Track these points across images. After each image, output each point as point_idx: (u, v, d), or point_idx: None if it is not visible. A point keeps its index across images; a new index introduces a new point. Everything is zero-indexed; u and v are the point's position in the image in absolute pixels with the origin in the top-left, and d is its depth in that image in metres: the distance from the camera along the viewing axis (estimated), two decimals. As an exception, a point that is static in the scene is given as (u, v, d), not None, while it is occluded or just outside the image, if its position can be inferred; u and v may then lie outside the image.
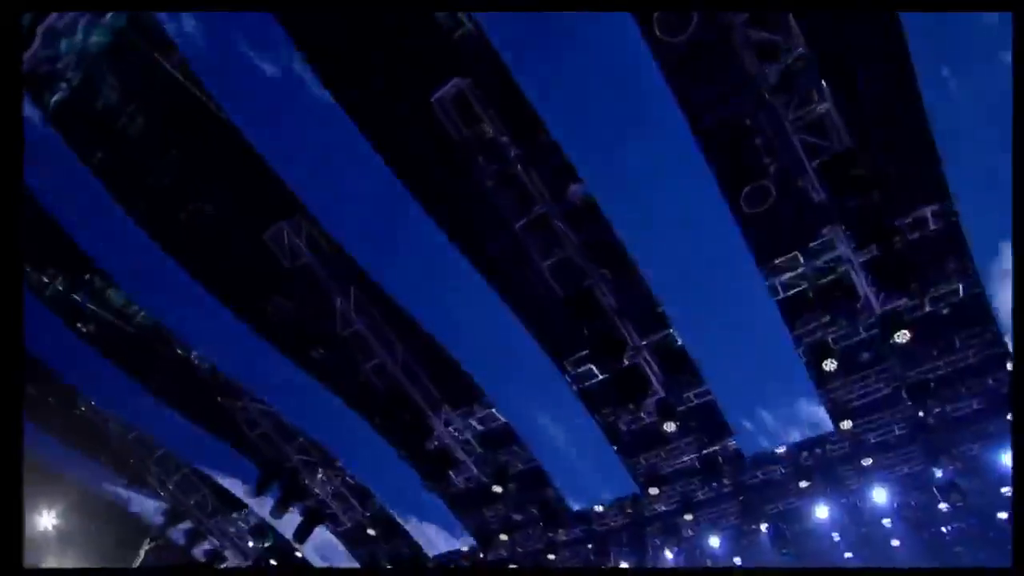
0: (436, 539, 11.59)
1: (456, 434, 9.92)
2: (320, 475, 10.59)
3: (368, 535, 12.07)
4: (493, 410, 9.78)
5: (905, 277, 6.22)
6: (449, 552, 12.15)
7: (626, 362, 7.91)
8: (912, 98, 6.08)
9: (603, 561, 13.60)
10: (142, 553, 12.17)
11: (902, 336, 8.65)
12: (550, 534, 12.06)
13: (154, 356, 9.31)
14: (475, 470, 10.53)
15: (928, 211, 7.12)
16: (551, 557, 14.37)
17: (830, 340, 9.33)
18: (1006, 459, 12.49)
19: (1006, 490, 13.66)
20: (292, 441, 10.07)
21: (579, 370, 9.11)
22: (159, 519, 11.97)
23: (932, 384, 9.63)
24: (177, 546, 12.56)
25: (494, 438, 10.51)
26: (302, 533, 10.96)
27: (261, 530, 12.72)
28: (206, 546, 12.65)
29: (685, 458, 11.33)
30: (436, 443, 9.15)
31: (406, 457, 8.97)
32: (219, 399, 9.36)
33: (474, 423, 10.16)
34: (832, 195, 6.49)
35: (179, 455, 10.82)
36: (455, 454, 9.66)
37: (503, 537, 13.09)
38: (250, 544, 12.65)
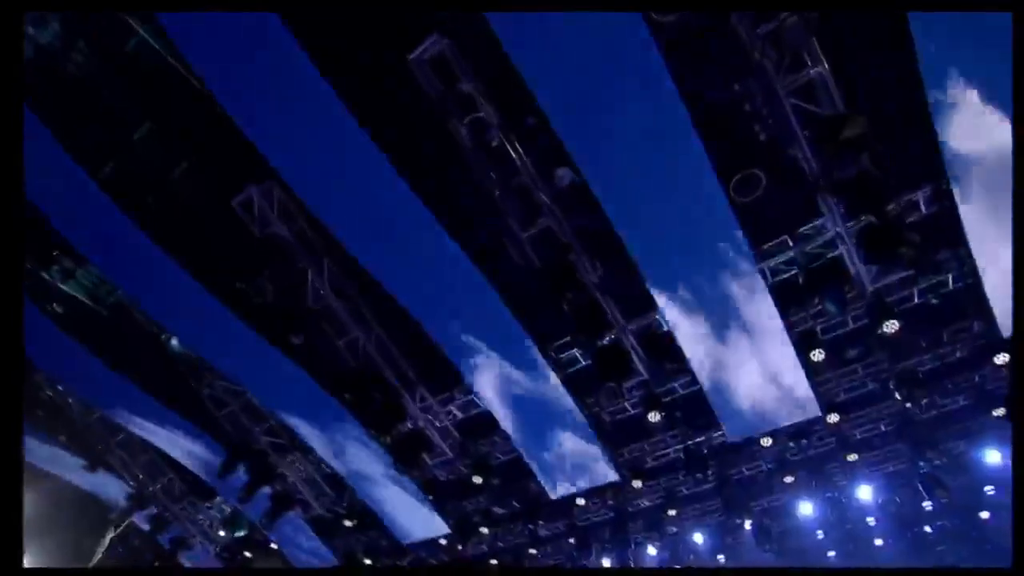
0: (412, 528, 11.23)
1: (434, 421, 9.61)
2: (290, 459, 10.17)
3: (340, 522, 11.68)
4: (473, 397, 9.49)
5: (898, 244, 6.02)
6: (426, 540, 11.74)
7: (608, 340, 7.62)
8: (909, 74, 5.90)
9: (584, 555, 13.36)
10: (106, 541, 11.71)
11: (891, 326, 8.49)
12: (530, 526, 11.76)
13: (119, 333, 8.90)
14: (453, 458, 10.21)
15: (921, 194, 6.95)
16: (533, 551, 14.12)
17: (819, 331, 9.21)
18: (991, 457, 12.45)
19: (989, 489, 13.65)
20: (261, 423, 9.69)
21: (563, 356, 8.85)
22: (123, 504, 11.49)
23: (919, 379, 9.47)
24: (142, 532, 12.09)
25: (474, 426, 10.22)
26: (271, 517, 10.55)
27: (232, 518, 12.31)
28: (172, 533, 12.21)
29: (669, 450, 11.12)
30: (410, 426, 8.81)
31: (378, 439, 8.59)
32: (184, 375, 8.92)
33: (454, 410, 9.86)
34: (824, 163, 6.28)
35: (143, 438, 10.41)
36: (432, 439, 9.31)
37: (484, 530, 12.83)
38: (220, 532, 12.24)
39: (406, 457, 8.79)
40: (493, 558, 14.67)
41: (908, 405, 9.48)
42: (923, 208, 7.07)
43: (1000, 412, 10.83)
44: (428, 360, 8.80)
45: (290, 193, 7.11)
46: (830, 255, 7.77)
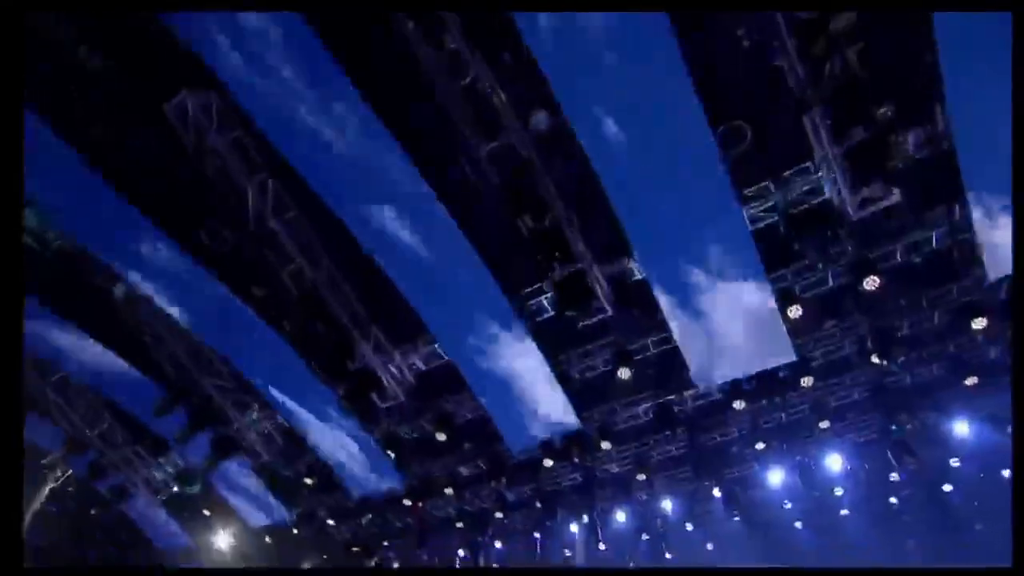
0: (364, 479, 10.82)
1: (392, 369, 9.12)
2: (234, 402, 9.59)
3: (288, 474, 11.23)
4: (436, 347, 9.00)
5: (886, 158, 5.62)
6: (386, 492, 11.26)
7: (571, 271, 7.13)
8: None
9: (550, 518, 13.16)
10: (45, 491, 11.13)
11: (871, 283, 8.22)
12: (498, 489, 11.48)
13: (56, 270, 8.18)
14: (407, 404, 9.74)
15: (912, 135, 6.52)
16: (499, 515, 13.88)
17: (797, 289, 8.90)
18: (959, 429, 12.47)
19: (955, 461, 13.71)
20: (202, 363, 9.07)
21: (532, 303, 8.40)
22: (58, 450, 10.87)
23: (896, 337, 9.22)
24: (79, 479, 11.50)
25: (436, 380, 9.77)
26: (211, 462, 10.00)
27: (186, 473, 11.77)
28: (112, 480, 11.64)
29: (639, 410, 10.82)
30: (360, 365, 8.28)
31: (321, 374, 8.06)
32: (121, 311, 8.23)
33: (418, 361, 9.38)
34: (811, 70, 5.79)
35: (80, 380, 9.75)
36: (383, 381, 8.77)
37: (448, 491, 12.52)
38: (159, 477, 11.71)
39: (354, 398, 8.26)
40: (459, 521, 14.44)
41: (884, 363, 9.22)
42: (912, 149, 6.63)
43: (972, 381, 10.75)
44: (386, 304, 8.24)
45: (230, 101, 6.42)
46: (815, 201, 7.40)
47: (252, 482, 12.18)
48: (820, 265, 8.57)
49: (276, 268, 7.38)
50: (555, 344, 9.28)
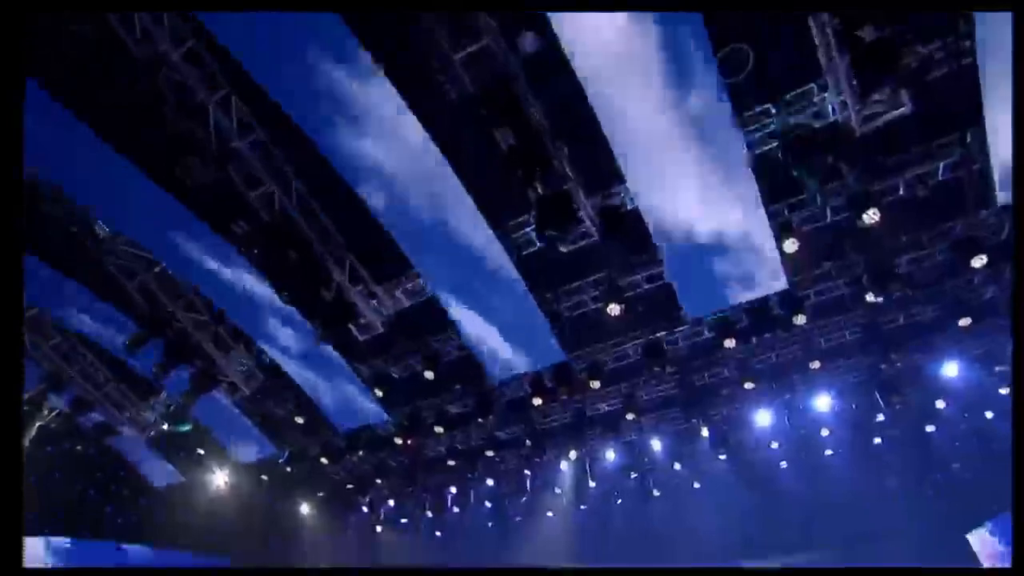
0: (350, 416, 10.77)
1: (373, 303, 8.88)
2: (211, 335, 9.37)
3: (266, 401, 11.19)
4: (420, 281, 8.73)
5: (897, 57, 5.21)
6: (375, 430, 11.27)
7: (553, 190, 6.77)
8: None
9: (538, 455, 13.31)
10: (33, 431, 11.09)
11: (871, 217, 7.93)
12: (482, 422, 11.49)
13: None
14: (397, 350, 9.58)
15: (928, 46, 6.03)
16: (489, 454, 14.06)
17: (794, 221, 8.60)
18: (948, 370, 12.49)
19: (940, 403, 13.83)
20: (175, 295, 8.78)
21: (518, 236, 8.08)
22: (34, 388, 10.76)
23: (894, 273, 8.99)
24: (62, 414, 11.46)
25: (419, 317, 9.57)
26: (190, 397, 9.92)
27: (177, 413, 11.73)
28: (96, 416, 11.61)
29: (628, 347, 10.71)
30: (336, 294, 8.02)
31: (296, 305, 7.83)
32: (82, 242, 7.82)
33: (401, 296, 9.13)
34: None
35: (57, 317, 9.49)
36: (360, 310, 8.52)
37: (438, 430, 12.58)
38: (147, 416, 11.67)
39: (330, 329, 8.05)
40: (450, 459, 14.63)
41: (879, 300, 9.04)
42: (928, 59, 6.12)
43: (966, 322, 10.65)
44: (365, 235, 7.90)
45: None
46: (817, 124, 7.00)
47: (242, 420, 12.17)
48: (819, 199, 8.22)
49: (243, 192, 6.97)
50: (543, 280, 9.03)
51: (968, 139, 7.34)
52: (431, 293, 8.77)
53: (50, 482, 13.18)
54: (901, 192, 8.26)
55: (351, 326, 8.59)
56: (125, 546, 14.93)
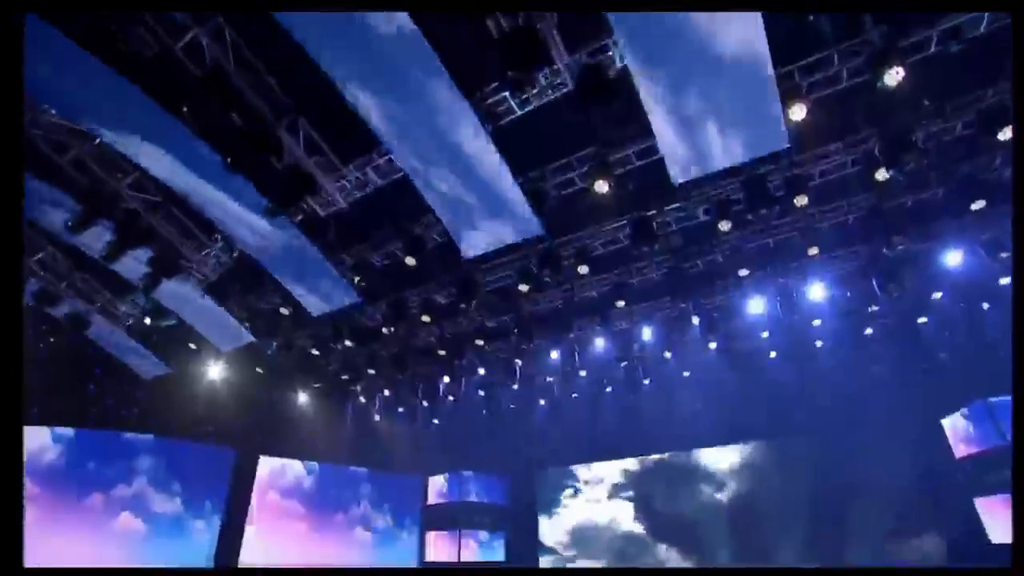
0: (326, 295, 10.46)
1: (350, 189, 8.27)
2: (163, 214, 8.81)
3: (247, 295, 10.90)
4: (391, 157, 8.00)
5: None
6: (349, 306, 10.99)
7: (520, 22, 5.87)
8: None
9: (524, 342, 13.26)
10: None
11: (894, 76, 7.05)
12: (465, 307, 11.25)
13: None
14: (374, 235, 9.02)
15: None
16: (479, 343, 14.01)
17: (804, 87, 7.72)
18: (951, 259, 12.06)
19: (937, 295, 13.56)
20: (118, 172, 8.09)
21: (493, 102, 7.25)
22: None
23: (910, 142, 8.21)
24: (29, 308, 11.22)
25: (395, 200, 8.94)
26: (150, 284, 9.58)
27: (159, 309, 11.47)
28: (65, 308, 11.39)
29: (621, 235, 10.20)
30: (288, 162, 7.37)
31: (242, 171, 7.19)
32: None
33: (373, 175, 8.45)
34: None
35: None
36: (319, 182, 7.90)
37: (425, 319, 12.40)
38: (123, 308, 11.46)
39: (284, 200, 7.47)
40: (441, 349, 14.65)
41: (889, 175, 8.35)
42: None
43: (979, 205, 10.00)
44: (322, 103, 7.07)
45: None
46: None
47: (226, 316, 11.91)
48: (836, 58, 7.28)
49: (167, 42, 6.04)
50: (525, 157, 8.29)
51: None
52: (402, 172, 8.06)
53: (45, 377, 13.28)
54: (932, 48, 7.31)
55: (315, 204, 7.95)
56: (128, 435, 15.42)
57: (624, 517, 21.25)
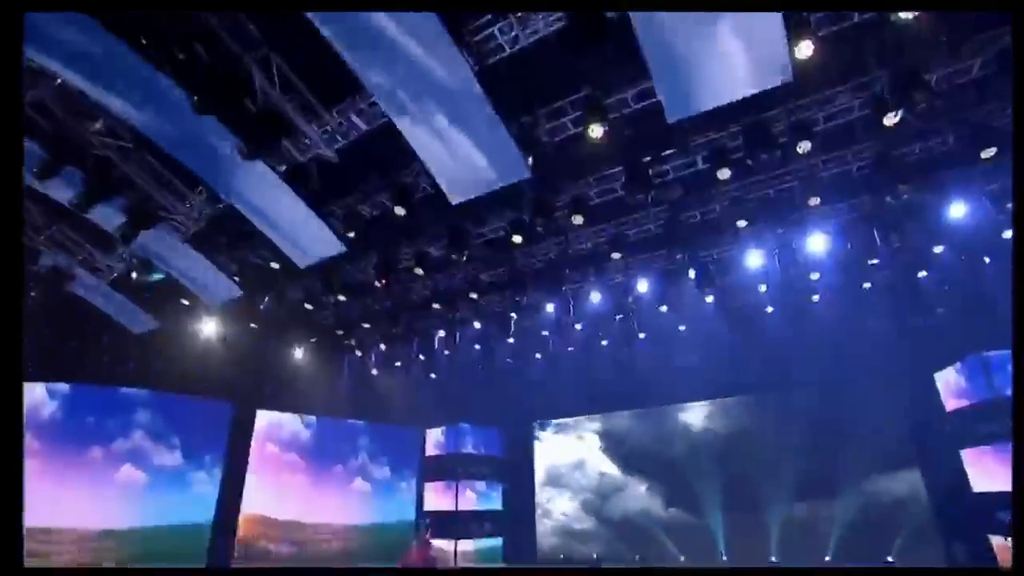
0: (311, 246, 10.22)
1: (333, 133, 7.88)
2: (137, 162, 8.40)
3: (237, 248, 10.61)
4: (374, 102, 7.57)
5: None
6: (338, 257, 10.74)
7: None
8: None
9: (517, 294, 13.08)
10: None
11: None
12: (456, 258, 11.02)
13: None
14: (362, 185, 8.66)
15: None
16: (473, 296, 13.85)
17: (812, 22, 7.25)
18: (955, 211, 11.77)
19: (938, 248, 13.33)
20: (84, 115, 7.62)
21: (480, 38, 6.79)
22: None
23: (917, 90, 7.77)
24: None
25: (380, 147, 8.55)
26: (126, 236, 9.28)
27: (145, 263, 11.20)
28: (46, 262, 11.13)
29: (616, 185, 9.86)
30: (261, 102, 6.97)
31: (212, 112, 6.79)
32: None
33: (357, 120, 8.05)
34: None
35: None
36: (295, 123, 7.51)
37: (418, 271, 12.18)
38: (105, 261, 11.20)
39: (257, 142, 7.09)
40: (435, 303, 14.51)
41: (898, 117, 7.97)
42: None
43: (990, 153, 9.62)
44: (298, 41, 6.57)
45: None
46: None
47: (215, 271, 11.65)
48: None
49: None
50: (517, 99, 7.87)
51: None
52: (386, 118, 7.63)
53: (34, 332, 13.17)
54: (951, -20, 6.82)
55: (296, 151, 7.55)
56: (124, 390, 15.44)
57: (615, 459, 21.88)
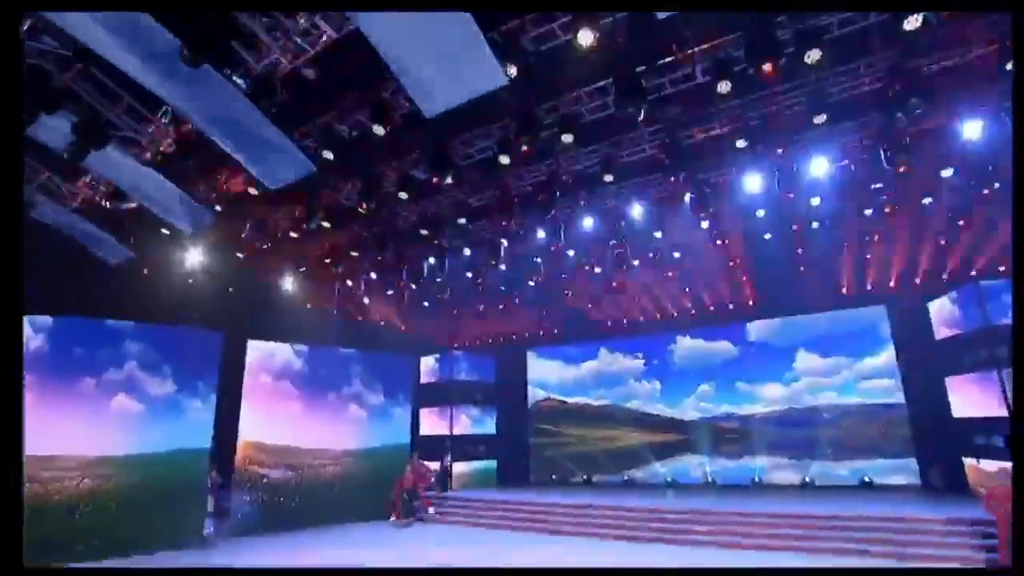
0: (280, 169, 9.66)
1: (301, 42, 7.12)
2: (77, 73, 7.55)
3: (192, 164, 9.98)
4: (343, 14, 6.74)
5: None
6: (312, 180, 10.20)
7: None
8: None
9: (508, 219, 12.60)
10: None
11: None
12: (438, 182, 10.49)
13: None
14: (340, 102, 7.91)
15: None
16: (461, 221, 13.37)
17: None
18: (968, 130, 11.10)
19: (947, 172, 12.73)
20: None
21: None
22: None
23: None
24: None
25: (353, 60, 7.78)
26: (75, 155, 8.59)
27: (118, 190, 10.57)
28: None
29: (608, 101, 9.16)
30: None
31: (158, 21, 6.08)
32: None
33: (323, 24, 7.24)
34: None
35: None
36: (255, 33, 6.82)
37: (403, 196, 11.64)
38: (67, 187, 10.56)
39: (201, 49, 6.38)
40: (423, 228, 14.05)
41: (919, 24, 7.23)
42: None
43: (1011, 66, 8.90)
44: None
45: None
46: None
47: (178, 194, 11.03)
48: None
49: None
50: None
51: None
52: (355, 25, 6.84)
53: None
54: None
55: (257, 63, 6.79)
56: (110, 322, 15.22)
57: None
